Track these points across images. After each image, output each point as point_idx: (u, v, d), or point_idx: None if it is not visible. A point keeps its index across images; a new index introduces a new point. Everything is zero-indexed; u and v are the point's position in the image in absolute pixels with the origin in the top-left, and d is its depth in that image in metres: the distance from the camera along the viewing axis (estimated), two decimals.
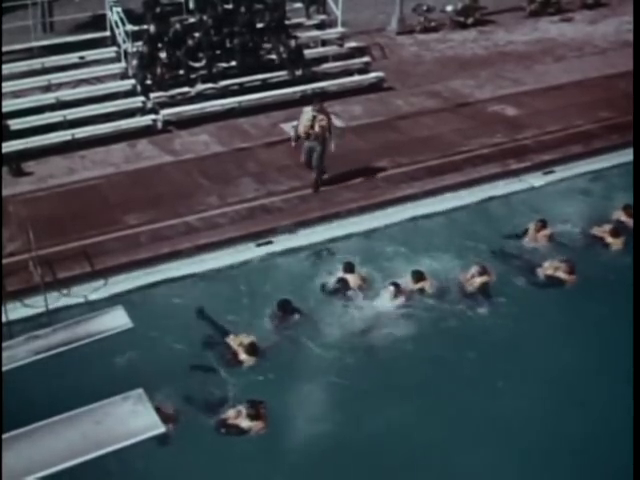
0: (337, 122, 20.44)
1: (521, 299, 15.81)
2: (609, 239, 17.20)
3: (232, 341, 14.28)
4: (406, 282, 15.85)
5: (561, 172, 20.20)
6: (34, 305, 15.02)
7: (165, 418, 12.36)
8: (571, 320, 15.26)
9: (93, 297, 15.47)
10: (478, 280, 15.92)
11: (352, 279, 15.87)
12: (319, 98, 19.23)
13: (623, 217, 17.96)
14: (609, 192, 19.34)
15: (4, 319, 14.42)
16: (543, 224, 17.55)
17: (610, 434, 12.80)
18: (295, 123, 18.96)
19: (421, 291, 15.79)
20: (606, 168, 20.42)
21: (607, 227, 17.43)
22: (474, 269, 16.02)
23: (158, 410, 12.34)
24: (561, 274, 16.14)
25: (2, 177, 18.41)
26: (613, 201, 18.78)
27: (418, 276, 15.88)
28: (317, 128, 18.27)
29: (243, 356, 14.05)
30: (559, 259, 16.44)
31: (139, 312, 14.88)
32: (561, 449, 12.72)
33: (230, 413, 12.85)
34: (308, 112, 18.38)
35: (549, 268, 16.31)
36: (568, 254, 16.84)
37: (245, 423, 12.71)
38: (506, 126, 22.05)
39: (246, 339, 14.20)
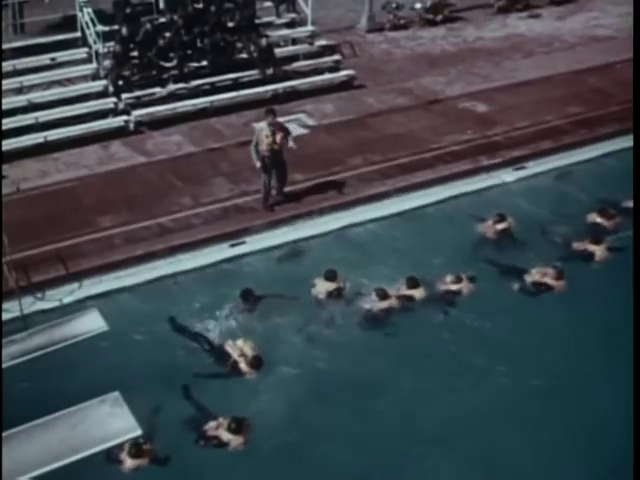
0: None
1: (508, 305, 15.74)
2: (591, 247, 16.93)
3: (231, 348, 14.12)
4: (398, 287, 15.79)
5: (532, 168, 20.38)
6: (9, 309, 15.01)
7: (143, 453, 12.20)
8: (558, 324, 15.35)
9: (68, 300, 15.47)
10: (452, 287, 15.88)
11: (321, 285, 15.82)
12: (272, 110, 18.35)
13: (598, 219, 17.95)
14: (579, 187, 19.51)
15: None
16: (501, 218, 17.71)
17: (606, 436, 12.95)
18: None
19: (410, 298, 15.66)
20: (576, 163, 20.59)
21: (586, 240, 17.12)
22: (449, 277, 15.94)
23: (137, 445, 12.20)
24: (549, 280, 16.01)
25: (2, 177, 18.46)
26: (583, 195, 18.96)
27: (412, 283, 15.75)
28: (279, 140, 17.84)
29: (244, 367, 13.88)
30: (547, 265, 16.31)
31: (114, 315, 14.98)
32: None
33: (211, 424, 12.66)
34: (264, 128, 17.85)
35: (537, 274, 16.16)
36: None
37: (225, 436, 12.52)
38: (477, 122, 22.22)
39: (249, 350, 14.02)
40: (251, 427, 12.73)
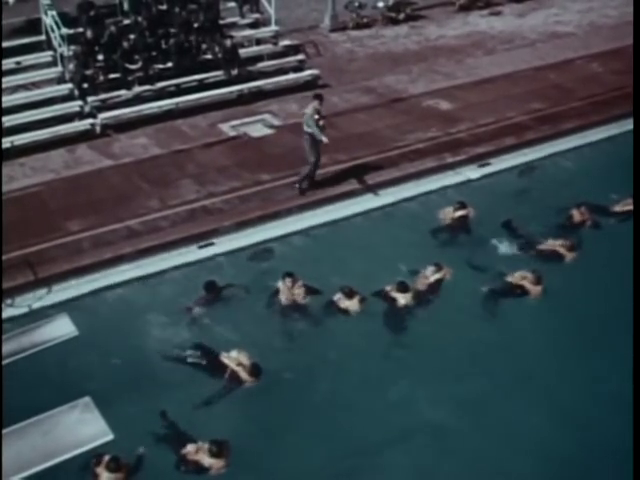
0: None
1: (485, 306, 15.79)
2: (562, 251, 16.91)
3: (228, 360, 13.98)
4: (390, 289, 15.74)
5: (496, 164, 20.61)
6: None
7: (120, 468, 11.95)
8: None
9: (37, 306, 15.42)
10: (432, 277, 16.03)
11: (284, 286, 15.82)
12: (320, 95, 18.97)
13: (571, 215, 18.03)
14: (543, 183, 19.82)
15: None
16: (461, 205, 18.03)
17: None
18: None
19: (399, 301, 15.60)
20: (539, 159, 20.86)
21: (560, 242, 17.05)
22: (429, 269, 16.10)
23: (116, 460, 11.93)
24: (527, 283, 15.97)
25: (2, 176, 18.48)
26: (547, 191, 19.22)
27: (402, 287, 15.67)
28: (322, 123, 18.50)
29: (245, 376, 13.78)
30: (528, 269, 16.24)
31: (84, 319, 14.99)
32: None
33: (190, 449, 12.30)
34: (313, 112, 18.39)
35: (516, 277, 16.11)
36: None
37: (206, 460, 12.18)
38: (440, 120, 22.41)
39: (245, 360, 13.91)
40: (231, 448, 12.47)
